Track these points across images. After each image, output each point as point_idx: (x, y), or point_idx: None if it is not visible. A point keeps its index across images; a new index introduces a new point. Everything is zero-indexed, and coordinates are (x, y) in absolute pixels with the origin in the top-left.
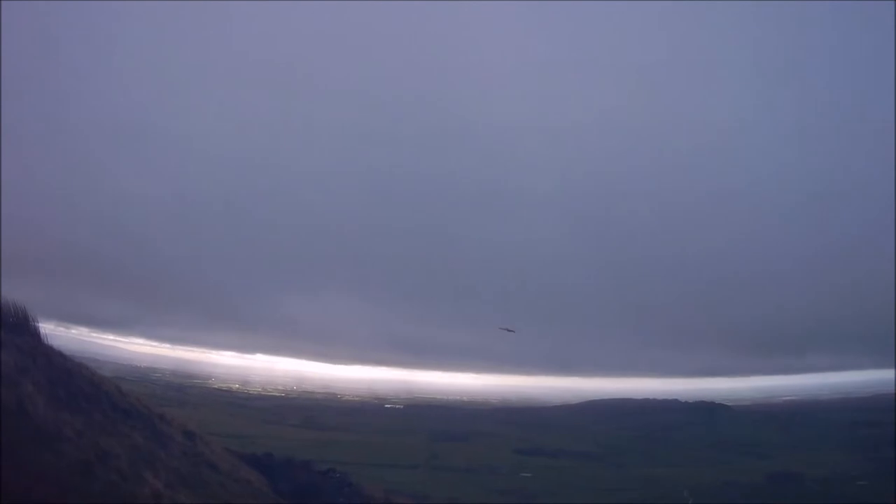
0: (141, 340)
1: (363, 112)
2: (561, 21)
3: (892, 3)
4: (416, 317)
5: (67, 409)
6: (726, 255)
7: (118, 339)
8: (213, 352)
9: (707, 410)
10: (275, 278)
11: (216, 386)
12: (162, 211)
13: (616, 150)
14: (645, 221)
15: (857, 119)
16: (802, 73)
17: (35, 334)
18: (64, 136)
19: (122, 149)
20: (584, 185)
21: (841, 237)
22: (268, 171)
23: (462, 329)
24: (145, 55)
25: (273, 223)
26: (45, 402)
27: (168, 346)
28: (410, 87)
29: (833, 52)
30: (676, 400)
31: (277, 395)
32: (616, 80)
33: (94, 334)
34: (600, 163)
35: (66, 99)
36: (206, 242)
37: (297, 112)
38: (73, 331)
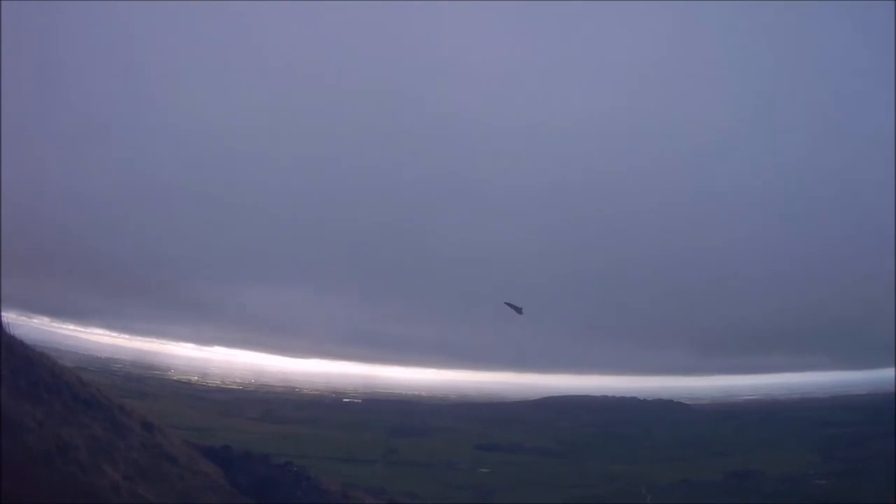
0: (101, 331)
1: (332, 107)
2: (542, 22)
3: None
4: (376, 312)
5: (29, 399)
6: (689, 256)
7: (79, 329)
8: (173, 343)
9: (666, 408)
10: (234, 271)
11: (176, 377)
12: (125, 203)
13: (586, 149)
14: (609, 220)
15: (850, 121)
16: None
17: None
18: (26, 128)
19: (81, 141)
20: (547, 183)
21: (804, 244)
22: (232, 164)
23: (422, 324)
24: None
25: (235, 216)
26: (6, 393)
27: (128, 336)
28: (386, 84)
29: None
30: (635, 398)
31: (236, 387)
32: (595, 82)
33: (56, 324)
34: (566, 162)
35: (34, 92)
36: (167, 234)
37: (262, 105)
38: (35, 320)
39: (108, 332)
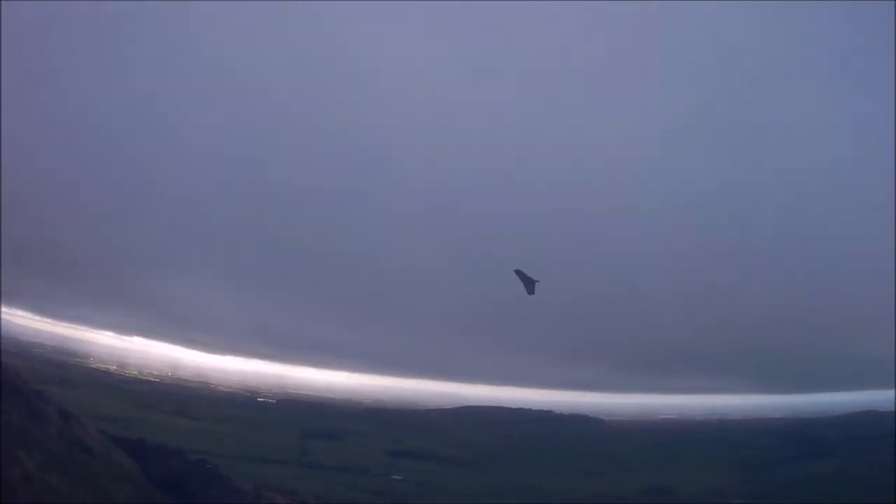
0: (25, 313)
1: (253, 102)
2: (449, 20)
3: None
4: (293, 312)
5: None
6: (609, 272)
7: (2, 310)
8: (94, 331)
9: (582, 423)
10: (156, 262)
11: (94, 366)
12: (52, 187)
13: (504, 151)
14: (527, 230)
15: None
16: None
17: None
18: None
19: (10, 127)
20: (465, 189)
21: (724, 266)
22: (158, 156)
23: (338, 327)
24: None
25: (163, 209)
26: None
27: (51, 321)
28: (286, 87)
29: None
30: (551, 411)
31: (153, 379)
32: (488, 83)
33: None
34: (483, 164)
35: None
36: (95, 220)
37: (188, 99)
38: None
39: (32, 316)
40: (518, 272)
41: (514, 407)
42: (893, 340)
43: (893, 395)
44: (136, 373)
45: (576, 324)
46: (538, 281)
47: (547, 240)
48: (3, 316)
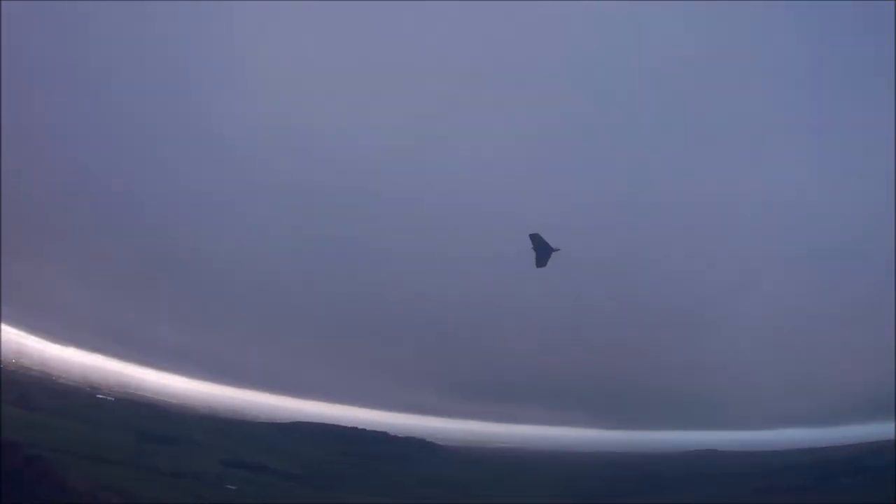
0: None
1: (118, 102)
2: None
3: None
4: (137, 310)
5: None
6: (453, 293)
7: None
8: None
9: (416, 446)
10: (8, 244)
11: None
12: None
13: (361, 152)
14: (376, 244)
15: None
16: None
17: None
18: None
19: None
20: (320, 194)
21: (569, 294)
22: (25, 143)
23: (178, 330)
24: None
25: (19, 194)
26: None
27: None
28: (165, 87)
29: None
30: (386, 433)
31: None
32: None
33: None
34: (344, 167)
35: None
36: None
37: (62, 90)
38: None
39: None
40: (534, 237)
41: (349, 425)
42: (737, 381)
43: (734, 435)
44: None
45: (415, 345)
46: (558, 250)
47: (394, 252)
48: None
